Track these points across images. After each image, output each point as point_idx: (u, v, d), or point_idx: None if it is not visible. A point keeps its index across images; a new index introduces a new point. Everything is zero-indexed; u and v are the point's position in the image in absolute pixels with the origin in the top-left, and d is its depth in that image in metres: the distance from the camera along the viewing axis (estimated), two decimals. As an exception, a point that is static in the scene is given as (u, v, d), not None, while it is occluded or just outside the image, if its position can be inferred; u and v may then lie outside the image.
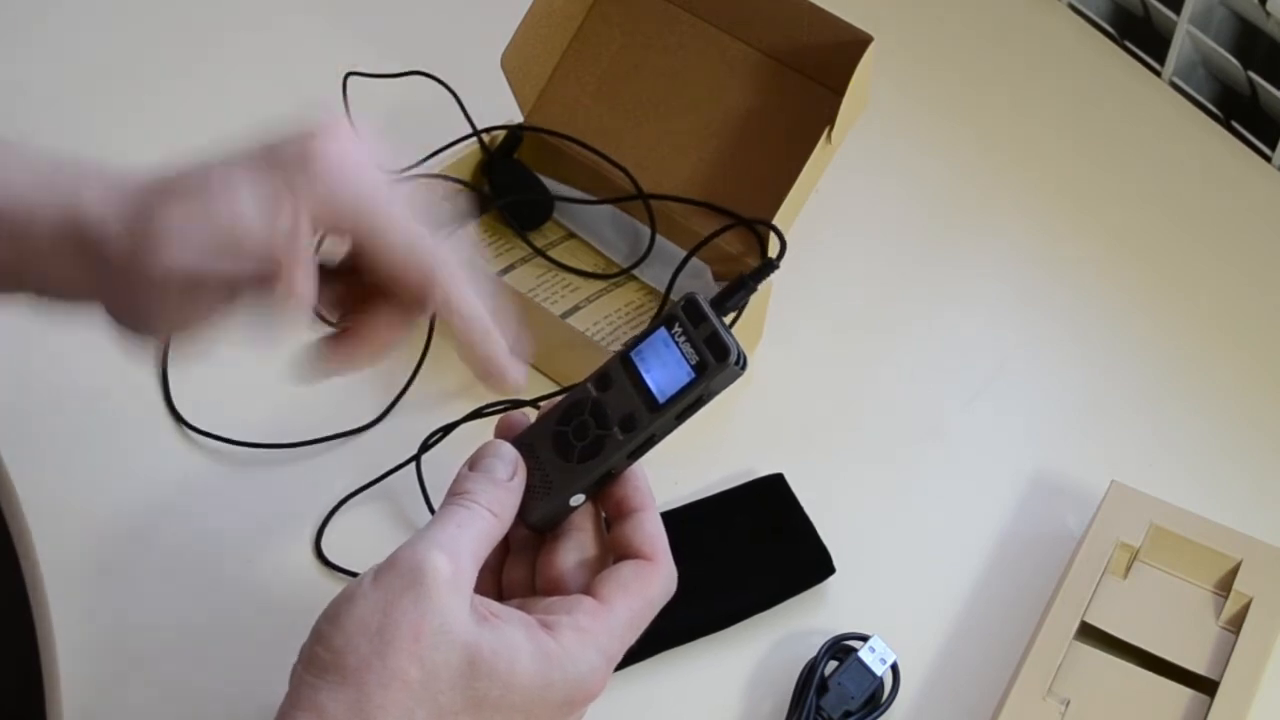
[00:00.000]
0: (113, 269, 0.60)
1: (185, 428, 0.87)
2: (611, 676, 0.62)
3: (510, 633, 0.58)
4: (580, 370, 0.86)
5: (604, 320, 0.92)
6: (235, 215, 0.59)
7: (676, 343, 0.62)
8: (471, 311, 0.63)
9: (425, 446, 0.85)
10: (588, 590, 0.61)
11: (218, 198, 0.59)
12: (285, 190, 0.59)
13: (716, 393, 0.62)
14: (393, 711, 0.55)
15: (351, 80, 1.04)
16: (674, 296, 0.92)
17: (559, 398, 0.65)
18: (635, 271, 0.95)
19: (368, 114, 1.04)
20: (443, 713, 0.56)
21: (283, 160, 0.59)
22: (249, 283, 0.60)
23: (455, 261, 0.62)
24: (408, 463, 0.85)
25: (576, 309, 0.93)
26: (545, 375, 0.90)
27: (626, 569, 0.62)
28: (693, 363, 0.61)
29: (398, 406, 0.89)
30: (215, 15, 1.13)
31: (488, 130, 0.97)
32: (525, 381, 0.65)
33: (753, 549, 0.82)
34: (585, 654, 0.59)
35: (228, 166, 0.60)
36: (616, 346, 0.90)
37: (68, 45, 1.10)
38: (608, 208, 0.96)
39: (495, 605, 0.59)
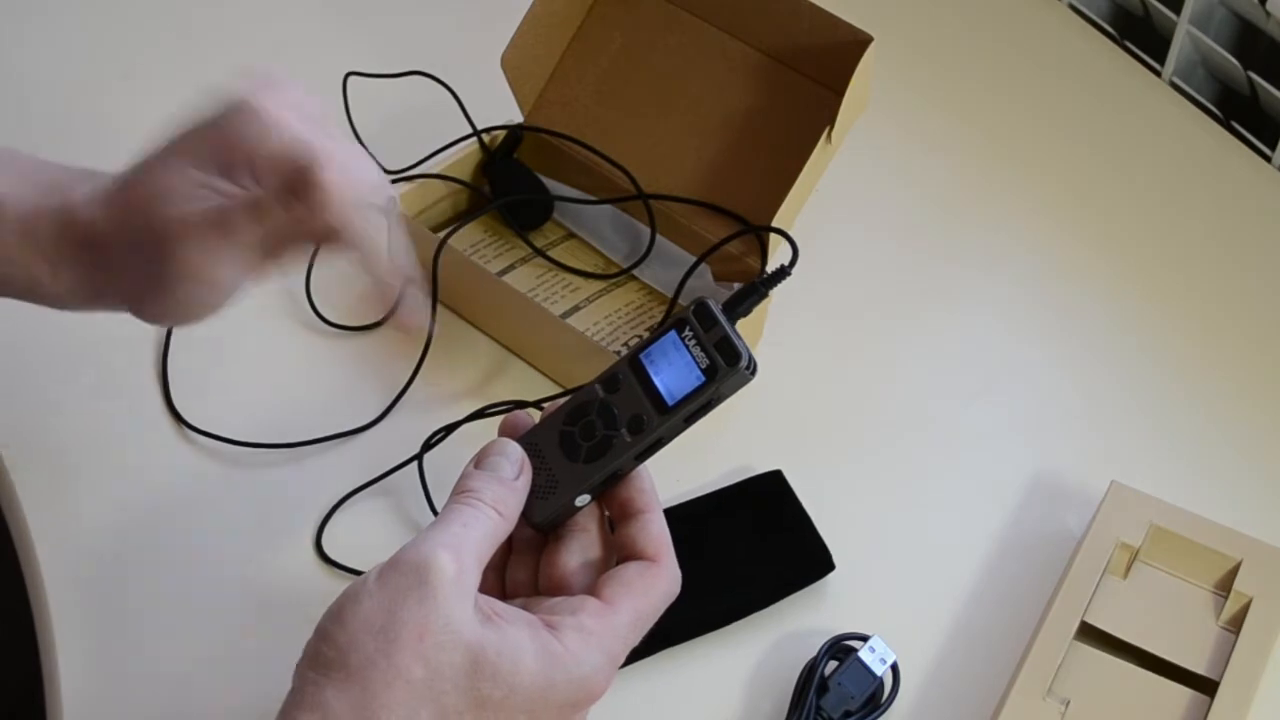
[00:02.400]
0: (109, 253, 0.66)
1: (185, 427, 0.87)
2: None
3: (514, 633, 0.58)
4: (579, 370, 0.87)
5: (604, 320, 0.92)
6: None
7: (686, 346, 0.62)
8: (364, 233, 0.65)
9: (427, 445, 0.85)
10: (591, 591, 0.61)
11: (183, 154, 0.65)
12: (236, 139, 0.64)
13: (726, 397, 0.62)
14: (397, 711, 0.55)
15: (351, 80, 1.04)
16: (678, 298, 0.92)
17: (563, 398, 0.65)
18: (635, 271, 0.95)
19: (368, 114, 1.04)
20: (446, 712, 0.56)
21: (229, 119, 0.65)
22: (237, 214, 0.64)
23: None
24: (409, 461, 0.85)
25: (576, 309, 0.93)
26: (545, 375, 0.90)
27: (631, 570, 0.62)
28: (703, 366, 0.62)
29: (400, 406, 0.88)
30: (215, 15, 1.13)
31: (488, 130, 0.97)
32: (424, 321, 0.69)
33: (752, 546, 0.82)
34: (589, 655, 0.59)
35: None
36: (616, 346, 0.90)
37: (65, 47, 1.10)
38: (608, 208, 0.96)
39: (499, 605, 0.59)
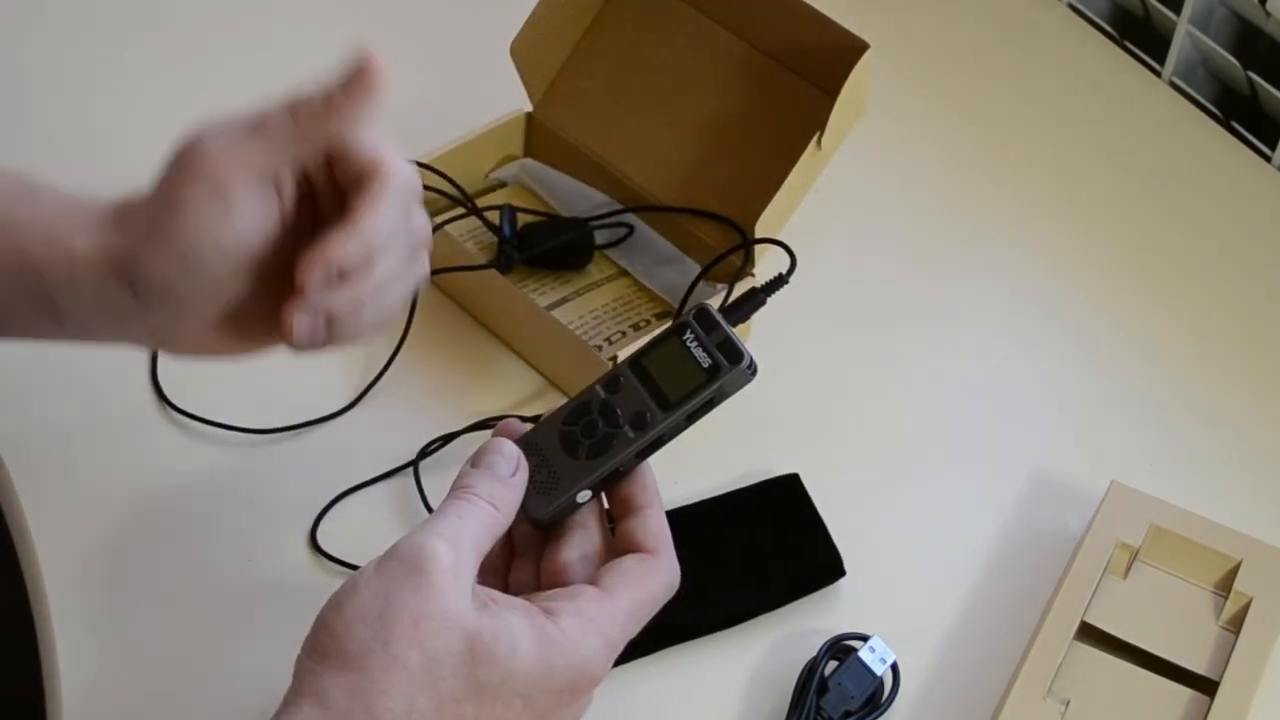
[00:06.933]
0: (141, 272, 0.61)
1: (182, 415, 0.87)
2: (612, 673, 0.62)
3: (511, 618, 0.58)
4: (563, 364, 0.87)
5: (589, 314, 0.92)
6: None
7: (689, 348, 0.64)
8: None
9: (424, 453, 0.85)
10: (590, 582, 0.62)
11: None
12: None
13: (728, 395, 0.64)
14: (395, 697, 0.56)
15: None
16: (660, 294, 0.93)
17: (562, 402, 0.66)
18: (626, 267, 0.95)
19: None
20: (444, 699, 0.57)
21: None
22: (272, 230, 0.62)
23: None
24: (405, 467, 0.85)
25: (564, 301, 0.93)
26: (535, 369, 0.90)
27: (629, 561, 0.63)
28: (706, 365, 0.63)
29: (400, 403, 0.88)
30: (216, 13, 1.13)
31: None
32: (302, 335, 0.61)
33: (765, 549, 0.82)
34: (586, 639, 0.59)
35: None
36: (599, 340, 0.90)
37: (66, 47, 1.10)
38: (603, 198, 0.96)
39: (496, 593, 0.60)
